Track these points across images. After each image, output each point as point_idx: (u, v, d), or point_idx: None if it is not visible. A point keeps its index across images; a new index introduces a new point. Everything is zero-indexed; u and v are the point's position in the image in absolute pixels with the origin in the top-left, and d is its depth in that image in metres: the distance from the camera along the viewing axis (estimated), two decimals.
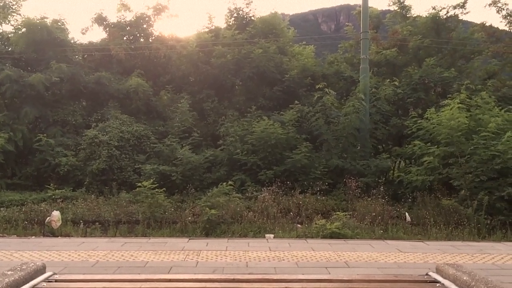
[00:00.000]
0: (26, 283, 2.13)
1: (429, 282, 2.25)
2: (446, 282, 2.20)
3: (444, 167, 12.26)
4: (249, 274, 2.91)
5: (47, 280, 2.23)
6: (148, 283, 2.11)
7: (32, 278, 2.21)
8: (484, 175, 11.14)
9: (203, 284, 2.12)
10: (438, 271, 2.38)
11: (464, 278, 2.14)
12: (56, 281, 2.22)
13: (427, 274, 2.36)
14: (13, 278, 2.11)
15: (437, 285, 2.20)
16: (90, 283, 2.17)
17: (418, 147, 13.24)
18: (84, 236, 8.59)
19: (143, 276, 2.22)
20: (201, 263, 4.55)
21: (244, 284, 2.11)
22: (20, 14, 20.42)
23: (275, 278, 2.21)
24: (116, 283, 2.11)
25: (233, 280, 2.17)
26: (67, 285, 2.16)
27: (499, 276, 4.00)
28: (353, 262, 4.71)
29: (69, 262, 4.66)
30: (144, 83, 19.07)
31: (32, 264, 2.38)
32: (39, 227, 9.94)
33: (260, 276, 2.21)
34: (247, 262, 4.65)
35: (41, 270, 2.39)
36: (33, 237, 7.57)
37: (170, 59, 21.81)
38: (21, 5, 20.63)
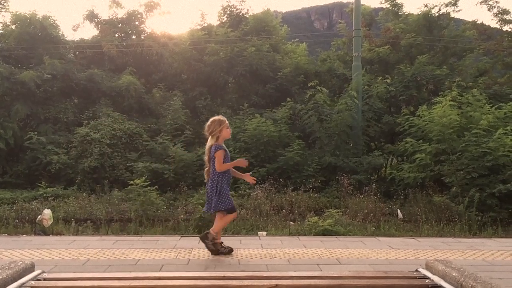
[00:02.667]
0: (14, 282, 2.11)
1: (419, 278, 2.26)
2: (435, 278, 2.21)
3: (436, 164, 12.33)
4: (240, 271, 2.90)
5: (35, 278, 2.21)
6: (137, 281, 2.10)
7: (20, 277, 2.19)
8: (475, 172, 11.20)
9: (192, 282, 2.10)
10: (428, 267, 2.39)
11: (453, 274, 2.15)
12: (44, 279, 2.21)
13: (416, 270, 2.37)
14: (0, 277, 2.09)
15: (427, 281, 2.21)
16: (79, 281, 2.15)
17: (410, 145, 13.29)
18: (76, 235, 8.53)
19: (132, 274, 2.21)
20: (193, 261, 4.54)
21: (234, 282, 2.11)
22: (8, 11, 20.21)
23: (265, 275, 2.21)
24: (105, 281, 2.10)
25: (223, 278, 2.16)
26: (55, 283, 2.14)
27: (489, 272, 4.03)
28: (344, 259, 4.72)
29: (60, 261, 4.62)
30: (136, 81, 18.99)
31: (21, 262, 2.35)
32: (31, 226, 9.85)
33: (250, 274, 2.20)
34: (239, 260, 4.65)
35: (30, 268, 2.37)
36: (24, 235, 7.51)
37: (162, 57, 21.74)
38: (9, 1, 20.45)
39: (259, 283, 2.10)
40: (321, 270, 3.95)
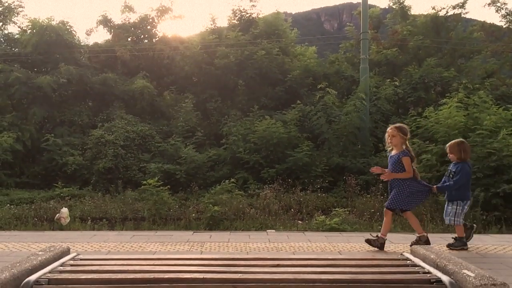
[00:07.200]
0: (55, 261, 2.50)
1: (402, 260, 2.60)
2: (416, 260, 2.55)
3: (442, 164, 12.53)
4: (246, 254, 3.26)
5: (73, 259, 2.59)
6: (160, 261, 2.48)
7: (60, 258, 2.57)
8: (480, 172, 11.39)
9: (207, 262, 2.48)
10: (412, 252, 2.74)
11: (432, 256, 2.50)
12: (80, 259, 2.59)
13: (401, 254, 2.71)
14: (45, 257, 2.48)
15: (408, 262, 2.55)
16: (110, 261, 2.53)
17: (417, 145, 13.49)
18: (93, 230, 8.95)
19: (155, 256, 2.59)
20: (205, 253, 4.88)
21: (242, 262, 2.48)
22: (24, 16, 20.89)
23: (269, 257, 2.58)
24: (133, 261, 2.48)
25: (233, 259, 2.54)
26: (90, 262, 2.52)
27: (479, 264, 4.32)
28: (346, 252, 5.04)
29: (83, 252, 4.98)
30: (150, 85, 19.49)
31: (59, 246, 2.75)
32: (49, 224, 10.30)
33: (256, 256, 2.57)
34: (247, 252, 4.99)
35: (66, 251, 2.77)
36: (46, 231, 7.94)
37: (173, 60, 22.22)
38: (23, 7, 21.14)
39: (263, 263, 2.46)
40: None
